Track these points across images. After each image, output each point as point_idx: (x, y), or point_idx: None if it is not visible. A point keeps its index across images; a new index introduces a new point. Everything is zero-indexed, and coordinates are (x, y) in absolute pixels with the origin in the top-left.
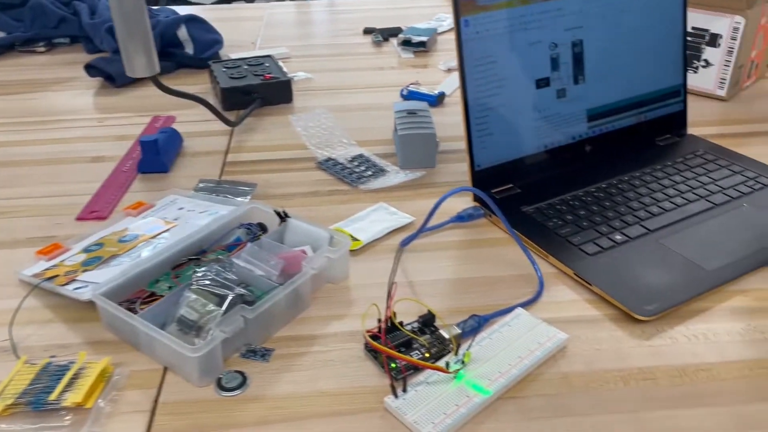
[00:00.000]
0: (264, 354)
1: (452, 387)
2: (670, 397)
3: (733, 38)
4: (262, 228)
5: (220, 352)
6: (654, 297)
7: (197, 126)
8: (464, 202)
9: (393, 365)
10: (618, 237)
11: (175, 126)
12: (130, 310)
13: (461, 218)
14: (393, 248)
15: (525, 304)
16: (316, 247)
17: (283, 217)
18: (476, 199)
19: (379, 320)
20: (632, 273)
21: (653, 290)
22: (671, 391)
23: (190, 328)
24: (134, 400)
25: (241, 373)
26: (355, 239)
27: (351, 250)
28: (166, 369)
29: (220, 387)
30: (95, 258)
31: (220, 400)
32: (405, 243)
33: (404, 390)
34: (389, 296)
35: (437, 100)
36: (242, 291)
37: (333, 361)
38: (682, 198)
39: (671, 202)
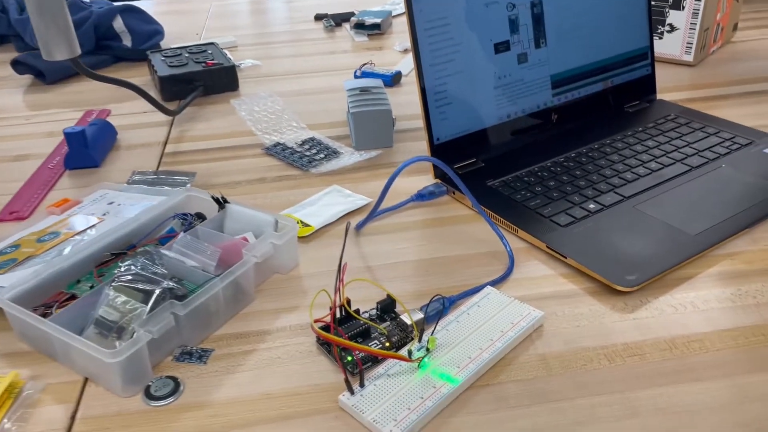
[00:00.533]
0: (201, 355)
1: (416, 378)
2: (660, 373)
3: (698, 0)
4: (200, 217)
5: (147, 355)
6: (635, 266)
7: (134, 118)
8: (424, 180)
9: (349, 358)
10: (591, 206)
11: (110, 120)
12: (45, 315)
13: (421, 197)
14: (349, 233)
15: (495, 282)
16: (260, 234)
17: (221, 202)
18: (437, 175)
19: (331, 308)
20: (609, 242)
21: (634, 259)
22: (661, 367)
23: (110, 330)
24: (48, 418)
25: (174, 379)
26: (305, 225)
27: (301, 237)
28: (86, 380)
29: (149, 396)
30: (9, 260)
31: (149, 411)
32: (360, 226)
33: (361, 385)
34: (339, 278)
35: (393, 80)
36: (172, 284)
37: (281, 359)
38: (657, 162)
39: (645, 168)
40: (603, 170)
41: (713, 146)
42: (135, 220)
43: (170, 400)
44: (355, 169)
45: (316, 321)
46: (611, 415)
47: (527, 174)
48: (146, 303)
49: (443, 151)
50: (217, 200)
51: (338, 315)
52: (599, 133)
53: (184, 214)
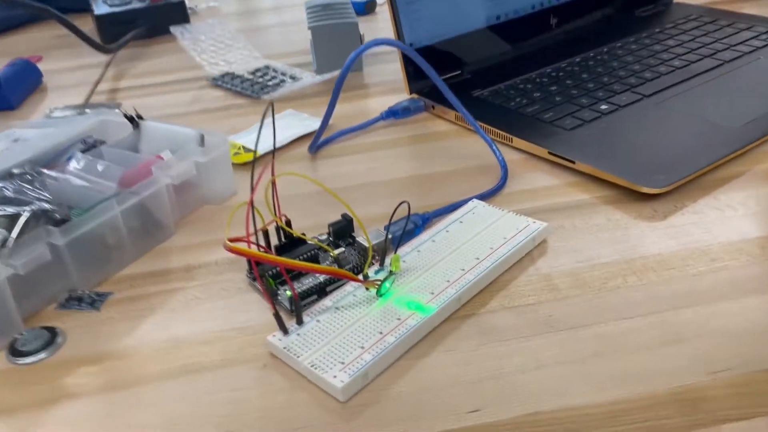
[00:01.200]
0: (94, 300)
1: (375, 309)
2: (700, 289)
3: None
4: None
5: (11, 298)
6: (664, 166)
7: (68, 62)
8: (397, 98)
9: (288, 294)
10: (604, 107)
11: (41, 66)
12: None
13: (394, 114)
14: (302, 156)
15: (484, 197)
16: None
17: (134, 120)
18: (413, 90)
19: (264, 231)
20: (629, 142)
21: (662, 158)
22: (701, 283)
23: None
24: None
25: (51, 330)
26: (248, 150)
27: (243, 163)
28: None
29: (13, 352)
30: None
31: (11, 370)
32: (315, 146)
33: (299, 322)
34: (269, 180)
35: (366, 7)
36: (47, 206)
37: (199, 299)
38: (681, 60)
39: (668, 65)
40: (616, 72)
41: (747, 40)
42: (30, 148)
43: (42, 355)
44: (316, 93)
45: (230, 240)
46: (647, 342)
47: (523, 81)
48: (11, 230)
49: (418, 67)
50: (129, 118)
51: (277, 241)
52: (608, 38)
53: (93, 139)
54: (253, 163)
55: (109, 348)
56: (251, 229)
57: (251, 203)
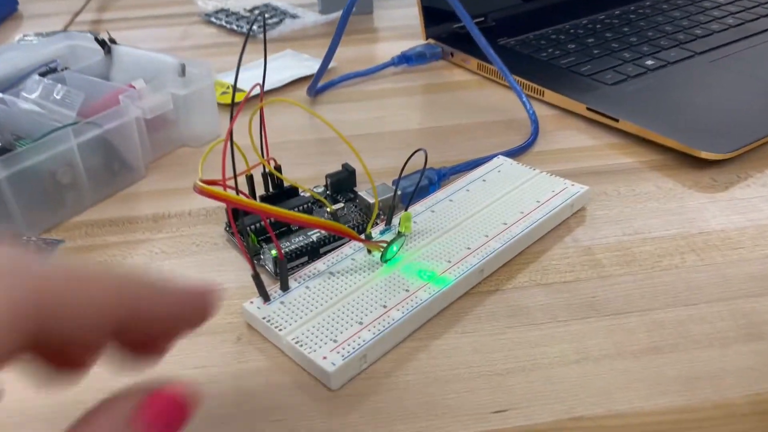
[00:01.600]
0: (40, 248)
1: (378, 277)
2: None
3: None
4: None
5: None
6: (724, 129)
7: None
8: (412, 43)
9: (273, 253)
10: (650, 62)
11: None
12: None
13: (407, 59)
14: (300, 100)
15: (511, 153)
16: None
17: (106, 44)
18: (430, 34)
19: (249, 177)
20: (681, 101)
21: (720, 121)
22: None
23: None
24: None
25: None
26: (239, 90)
27: (229, 104)
28: None
29: None
30: None
31: None
32: (314, 90)
33: (284, 288)
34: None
35: None
36: None
37: (165, 254)
38: (735, 18)
39: (721, 23)
40: (661, 26)
41: None
42: None
43: None
44: (320, 34)
45: (204, 181)
46: (716, 336)
47: (555, 32)
48: None
49: (437, 10)
50: (101, 41)
51: (264, 190)
52: None
53: (52, 63)
54: (234, 86)
55: None
56: (230, 171)
57: (230, 134)
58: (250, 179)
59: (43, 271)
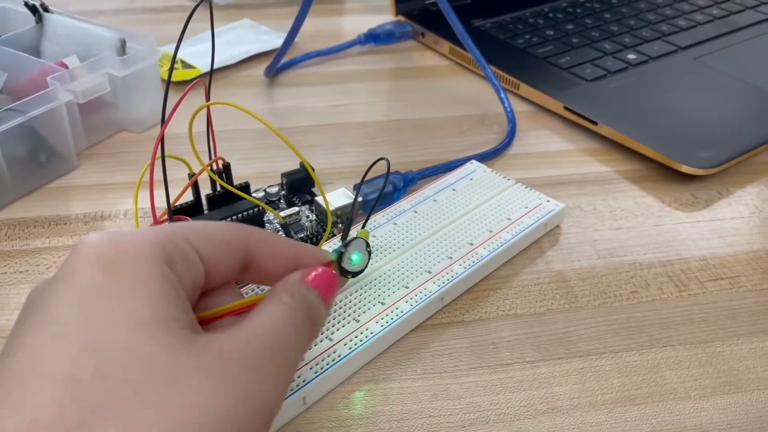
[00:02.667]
0: None
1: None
2: (760, 312)
3: None
4: None
5: None
6: (707, 140)
7: None
8: (381, 20)
9: None
10: (631, 56)
11: None
12: None
13: (374, 38)
14: (256, 81)
15: (483, 157)
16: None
17: (38, 10)
18: (400, 11)
19: (190, 176)
20: (663, 104)
21: (704, 129)
22: (760, 305)
23: None
24: None
25: None
26: (187, 66)
27: (179, 82)
28: None
29: None
30: None
31: None
32: (271, 71)
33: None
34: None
35: None
36: None
37: None
38: (720, 9)
39: (705, 14)
40: (643, 14)
41: None
42: None
43: None
44: (281, 2)
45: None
46: (694, 385)
47: (533, 15)
48: None
49: None
50: (31, 7)
51: (211, 189)
52: None
53: None
54: (168, 79)
55: None
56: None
57: (160, 139)
58: (195, 182)
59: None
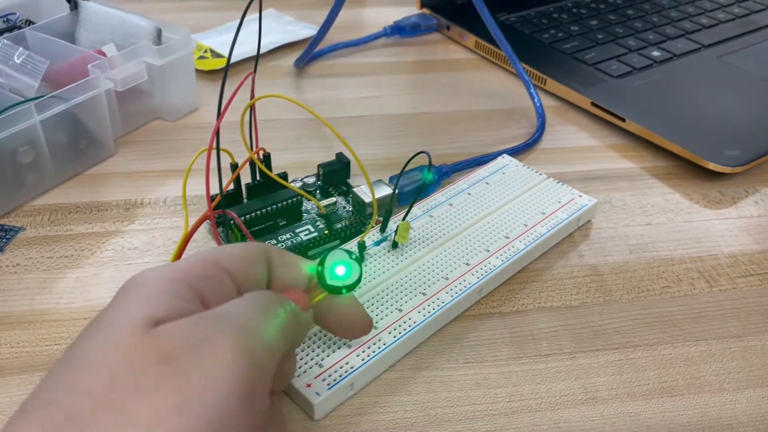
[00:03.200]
0: None
1: (368, 293)
2: None
3: None
4: None
5: None
6: (734, 138)
7: None
8: (406, 12)
9: None
10: (656, 53)
11: None
12: None
13: (400, 30)
14: (284, 72)
15: (515, 151)
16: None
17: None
18: (425, 3)
19: (233, 166)
20: (688, 101)
21: (730, 127)
22: None
23: None
24: None
25: None
26: (216, 55)
27: (209, 71)
28: None
29: None
30: None
31: None
32: (301, 62)
33: None
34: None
35: None
36: None
37: (138, 252)
38: (741, 7)
39: (727, 12)
40: (666, 12)
41: None
42: None
43: None
44: None
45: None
46: (728, 378)
47: (557, 10)
48: None
49: None
50: None
51: (251, 180)
52: None
53: (11, 14)
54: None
55: (10, 309)
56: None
57: (215, 133)
58: (234, 167)
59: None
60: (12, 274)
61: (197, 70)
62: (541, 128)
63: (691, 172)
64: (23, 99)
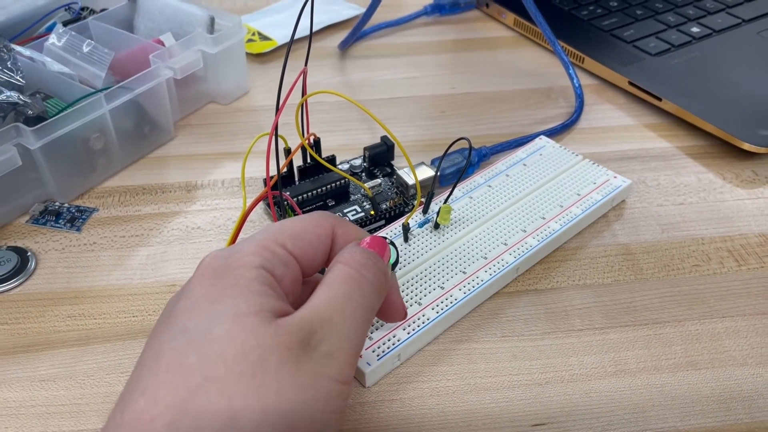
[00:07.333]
0: (74, 217)
1: (412, 271)
2: None
3: None
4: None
5: None
6: None
7: None
8: None
9: None
10: (695, 29)
11: None
12: None
13: (440, 8)
14: (328, 53)
15: (552, 132)
16: (185, 36)
17: None
18: None
19: (287, 150)
20: (726, 80)
21: (766, 108)
22: None
23: None
24: None
25: (21, 252)
26: (264, 38)
27: (257, 54)
28: None
29: None
30: None
31: None
32: (345, 44)
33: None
34: (302, 89)
35: None
36: (20, 98)
37: (202, 230)
38: None
39: None
40: None
41: None
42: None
43: (10, 284)
44: None
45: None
46: (749, 353)
47: None
48: None
49: None
50: None
51: (302, 163)
52: None
53: (73, 3)
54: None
55: (91, 284)
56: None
57: (275, 127)
58: (287, 151)
59: None
60: (90, 252)
61: (246, 54)
62: (579, 109)
63: (726, 151)
64: (93, 90)
